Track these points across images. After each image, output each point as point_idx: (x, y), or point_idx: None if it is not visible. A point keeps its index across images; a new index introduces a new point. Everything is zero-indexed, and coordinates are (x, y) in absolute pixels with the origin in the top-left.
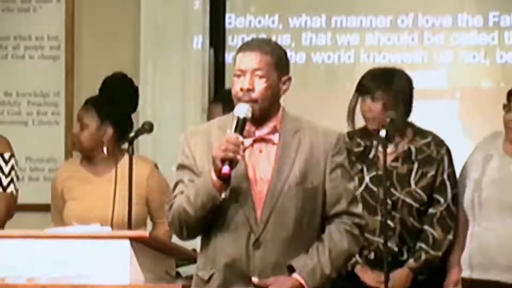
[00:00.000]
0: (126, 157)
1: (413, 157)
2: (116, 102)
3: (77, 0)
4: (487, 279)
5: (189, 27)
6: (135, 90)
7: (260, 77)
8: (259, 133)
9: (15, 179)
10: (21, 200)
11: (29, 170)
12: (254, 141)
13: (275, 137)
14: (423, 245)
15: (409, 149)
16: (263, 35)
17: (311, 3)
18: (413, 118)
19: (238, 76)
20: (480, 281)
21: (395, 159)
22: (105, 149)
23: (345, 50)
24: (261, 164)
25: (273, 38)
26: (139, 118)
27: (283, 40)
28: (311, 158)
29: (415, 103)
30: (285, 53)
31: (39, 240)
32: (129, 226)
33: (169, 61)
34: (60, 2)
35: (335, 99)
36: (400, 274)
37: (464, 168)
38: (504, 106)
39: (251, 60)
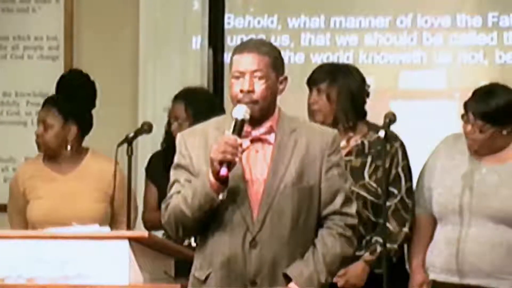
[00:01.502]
0: (89, 154)
1: (366, 150)
2: (76, 99)
3: (76, 0)
4: (466, 283)
5: (188, 27)
6: (93, 85)
7: (260, 78)
8: (256, 133)
9: None
10: None
11: None
12: (251, 141)
13: (271, 137)
14: (378, 238)
15: (362, 143)
16: (262, 36)
17: (310, 3)
18: (412, 118)
19: (237, 77)
20: (458, 285)
21: (349, 153)
22: (69, 147)
23: (344, 51)
24: (257, 164)
25: (272, 39)
26: (138, 118)
27: (282, 41)
28: (307, 158)
29: (414, 103)
30: (280, 53)
31: (38, 240)
32: (128, 227)
33: (168, 61)
34: (59, 2)
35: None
36: (355, 268)
37: (426, 168)
38: (462, 116)
39: (249, 61)
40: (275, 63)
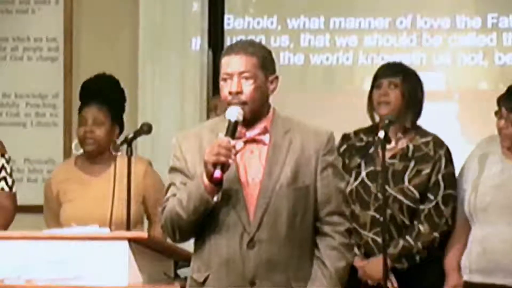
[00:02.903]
0: (120, 156)
1: (410, 154)
2: (118, 102)
3: (76, 2)
4: (492, 282)
5: (187, 29)
6: (123, 91)
7: (247, 78)
8: (250, 134)
9: (7, 177)
10: (19, 201)
11: (28, 171)
12: (245, 142)
13: (266, 138)
14: (407, 236)
15: (407, 147)
16: (261, 37)
17: (310, 4)
18: None
19: (225, 80)
20: (485, 285)
21: (393, 156)
22: (112, 148)
23: (343, 52)
24: (252, 165)
25: (272, 39)
26: (137, 119)
27: (282, 41)
28: (302, 158)
29: None
30: (270, 53)
31: (37, 241)
32: (128, 227)
33: (167, 62)
34: (59, 3)
35: (334, 100)
36: (376, 260)
37: (461, 172)
38: (496, 113)
39: (236, 63)
40: (263, 63)
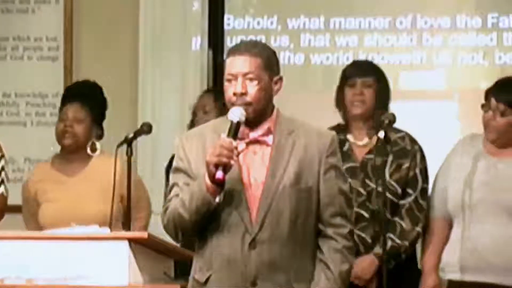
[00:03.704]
0: (95, 157)
1: (388, 149)
2: (100, 107)
3: (76, 1)
4: (481, 281)
5: (188, 28)
6: (106, 100)
7: (252, 80)
8: (253, 135)
9: (5, 180)
10: (19, 201)
11: (28, 171)
12: (249, 143)
13: (269, 139)
14: (391, 235)
15: (383, 142)
16: (261, 37)
17: (310, 4)
18: (412, 118)
19: (230, 80)
20: (474, 283)
21: (369, 152)
22: (88, 148)
23: (343, 52)
24: (255, 166)
25: (272, 39)
26: (137, 119)
27: (282, 42)
28: (305, 159)
29: (414, 104)
30: (274, 53)
31: (38, 241)
32: (128, 227)
33: (168, 62)
34: (59, 3)
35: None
36: (363, 260)
37: (442, 170)
38: (483, 106)
39: (241, 64)
40: (268, 64)
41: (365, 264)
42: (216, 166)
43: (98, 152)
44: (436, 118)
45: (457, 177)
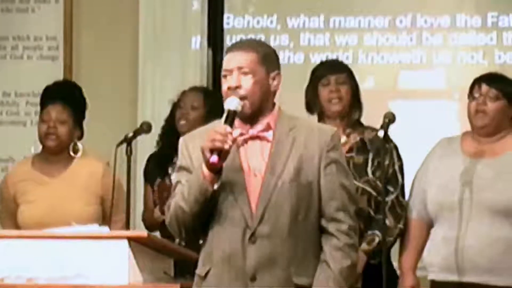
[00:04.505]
0: (77, 159)
1: (368, 147)
2: (80, 107)
3: (76, 1)
4: (465, 281)
5: (187, 28)
6: (85, 99)
7: (246, 73)
8: (253, 131)
9: None
10: None
11: None
12: (249, 138)
13: (269, 134)
14: (376, 231)
15: (362, 140)
16: (261, 36)
17: (310, 3)
18: (411, 118)
19: (225, 76)
20: (457, 283)
21: (350, 150)
22: (71, 150)
23: (343, 51)
24: (255, 161)
25: (271, 39)
26: (137, 118)
27: (282, 41)
28: (306, 155)
29: (414, 103)
30: (273, 50)
31: (38, 240)
32: (128, 227)
33: (167, 61)
34: (59, 2)
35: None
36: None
37: (422, 171)
38: (468, 97)
39: (234, 59)
40: (264, 59)
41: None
42: (211, 151)
43: (80, 153)
44: (436, 118)
45: (437, 180)
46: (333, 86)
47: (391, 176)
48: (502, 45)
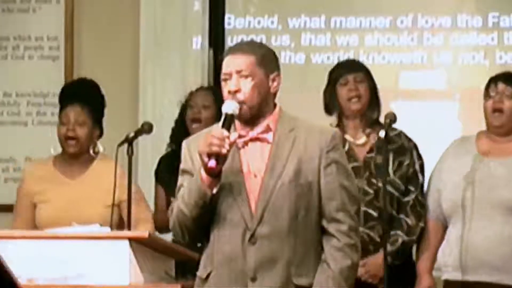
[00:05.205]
0: (97, 161)
1: (388, 147)
2: (99, 106)
3: (77, 1)
4: (477, 280)
5: (188, 28)
6: (103, 97)
7: (246, 77)
8: (253, 133)
9: None
10: None
11: None
12: (249, 140)
13: (269, 136)
14: (399, 232)
15: (381, 139)
16: (262, 36)
17: (311, 3)
18: (412, 118)
19: (225, 80)
20: (470, 283)
21: (370, 150)
22: (91, 149)
23: (344, 51)
24: (255, 162)
25: (273, 39)
26: (138, 118)
27: (283, 41)
28: (306, 156)
29: (415, 103)
30: (271, 51)
31: (39, 240)
32: (129, 227)
33: (168, 61)
34: (60, 2)
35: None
36: (376, 258)
37: (436, 172)
38: (484, 96)
39: (233, 62)
40: (262, 61)
41: (378, 262)
42: (209, 156)
43: (100, 153)
44: (437, 118)
45: (451, 179)
46: (352, 85)
47: (412, 175)
48: (503, 45)
